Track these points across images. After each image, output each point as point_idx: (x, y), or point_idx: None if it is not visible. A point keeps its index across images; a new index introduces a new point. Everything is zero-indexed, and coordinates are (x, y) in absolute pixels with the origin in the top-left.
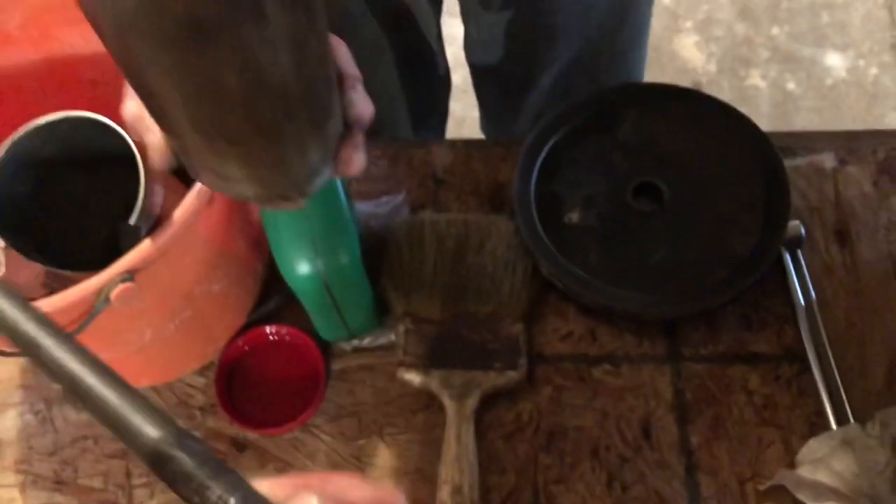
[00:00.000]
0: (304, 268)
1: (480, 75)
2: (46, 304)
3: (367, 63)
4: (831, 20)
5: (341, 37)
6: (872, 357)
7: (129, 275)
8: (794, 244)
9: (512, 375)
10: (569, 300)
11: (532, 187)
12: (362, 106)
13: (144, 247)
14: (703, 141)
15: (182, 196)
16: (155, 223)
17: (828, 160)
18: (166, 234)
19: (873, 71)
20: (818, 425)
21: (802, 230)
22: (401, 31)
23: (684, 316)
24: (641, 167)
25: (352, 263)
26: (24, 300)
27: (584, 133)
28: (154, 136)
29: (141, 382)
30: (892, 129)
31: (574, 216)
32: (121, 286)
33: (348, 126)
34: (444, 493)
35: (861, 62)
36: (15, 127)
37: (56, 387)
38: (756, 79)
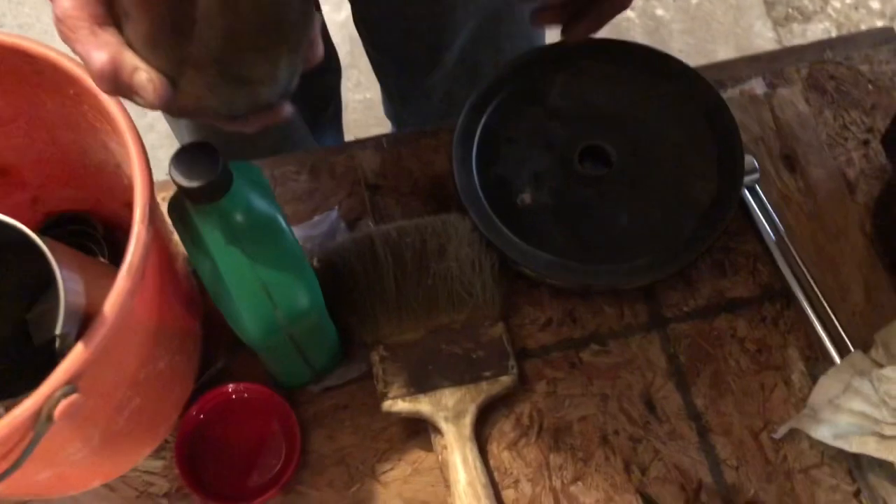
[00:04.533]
0: (262, 324)
1: (379, 57)
2: None
3: None
4: None
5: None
6: (848, 278)
7: (71, 386)
8: (752, 180)
9: (505, 381)
10: (539, 285)
11: (475, 176)
12: None
13: (79, 351)
14: (636, 91)
15: (99, 274)
16: (84, 318)
17: (757, 86)
18: (104, 329)
19: None
20: (812, 358)
21: (756, 163)
22: None
23: (661, 278)
24: (582, 132)
25: (314, 305)
26: None
27: (514, 108)
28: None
29: (92, 485)
30: (806, 43)
31: (526, 197)
32: (64, 402)
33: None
34: None
35: None
36: None
37: None
38: (625, 11)
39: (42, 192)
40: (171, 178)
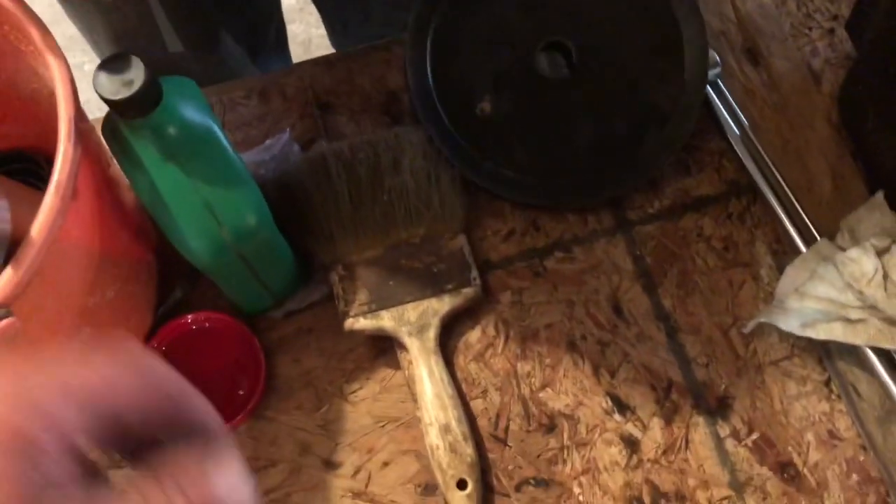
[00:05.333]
0: (208, 244)
1: None
2: None
3: None
4: None
5: None
6: (815, 168)
7: (5, 309)
8: (714, 74)
9: (468, 292)
10: (500, 196)
11: (430, 80)
12: None
13: (8, 273)
14: None
15: (33, 202)
16: (12, 243)
17: None
18: (33, 249)
19: None
20: (780, 251)
21: (718, 58)
22: None
23: (629, 189)
24: (542, 27)
25: (262, 222)
26: None
27: (469, 2)
28: None
29: None
30: None
31: (486, 106)
32: None
33: None
34: (433, 435)
35: None
36: None
37: None
38: None
39: None
40: (97, 91)
